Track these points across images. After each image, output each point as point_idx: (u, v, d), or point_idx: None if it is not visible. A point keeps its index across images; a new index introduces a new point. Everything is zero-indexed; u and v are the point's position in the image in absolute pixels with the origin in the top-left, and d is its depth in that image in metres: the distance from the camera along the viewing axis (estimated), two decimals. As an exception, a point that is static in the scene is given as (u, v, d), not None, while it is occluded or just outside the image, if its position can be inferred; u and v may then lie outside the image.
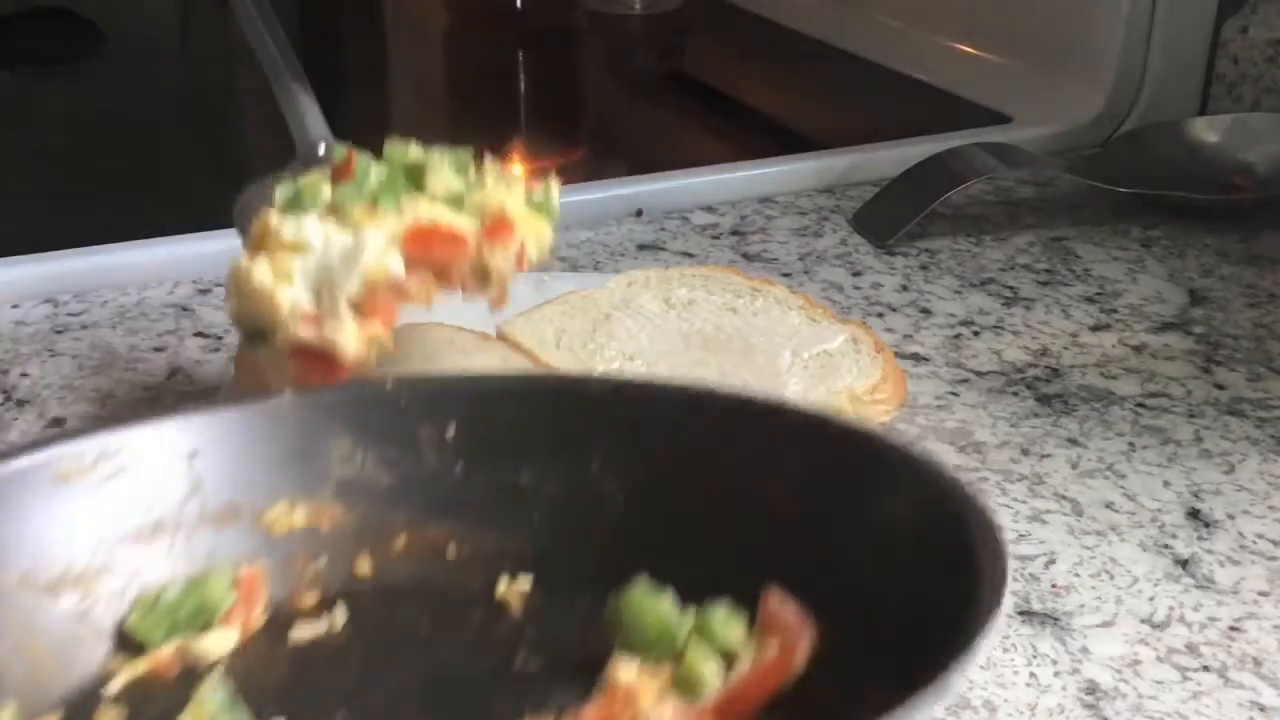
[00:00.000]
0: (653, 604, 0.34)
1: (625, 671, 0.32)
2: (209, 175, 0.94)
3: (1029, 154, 0.82)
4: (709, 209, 0.80)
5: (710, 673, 0.32)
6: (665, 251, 0.74)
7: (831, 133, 0.93)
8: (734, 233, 0.77)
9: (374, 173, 0.43)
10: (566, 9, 1.26)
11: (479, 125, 1.08)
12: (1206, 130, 0.83)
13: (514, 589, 0.38)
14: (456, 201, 0.42)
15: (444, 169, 0.43)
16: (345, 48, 1.32)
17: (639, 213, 0.79)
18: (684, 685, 0.32)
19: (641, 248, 0.75)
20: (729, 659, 0.33)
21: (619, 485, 0.37)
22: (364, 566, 0.38)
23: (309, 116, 0.53)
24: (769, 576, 0.32)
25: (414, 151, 0.44)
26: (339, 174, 0.44)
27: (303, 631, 0.37)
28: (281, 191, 0.44)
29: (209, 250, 0.71)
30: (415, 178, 0.43)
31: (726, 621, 0.33)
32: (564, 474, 0.37)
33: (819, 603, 0.32)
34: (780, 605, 0.32)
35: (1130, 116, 0.90)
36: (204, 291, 0.69)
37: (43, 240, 0.72)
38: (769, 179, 0.83)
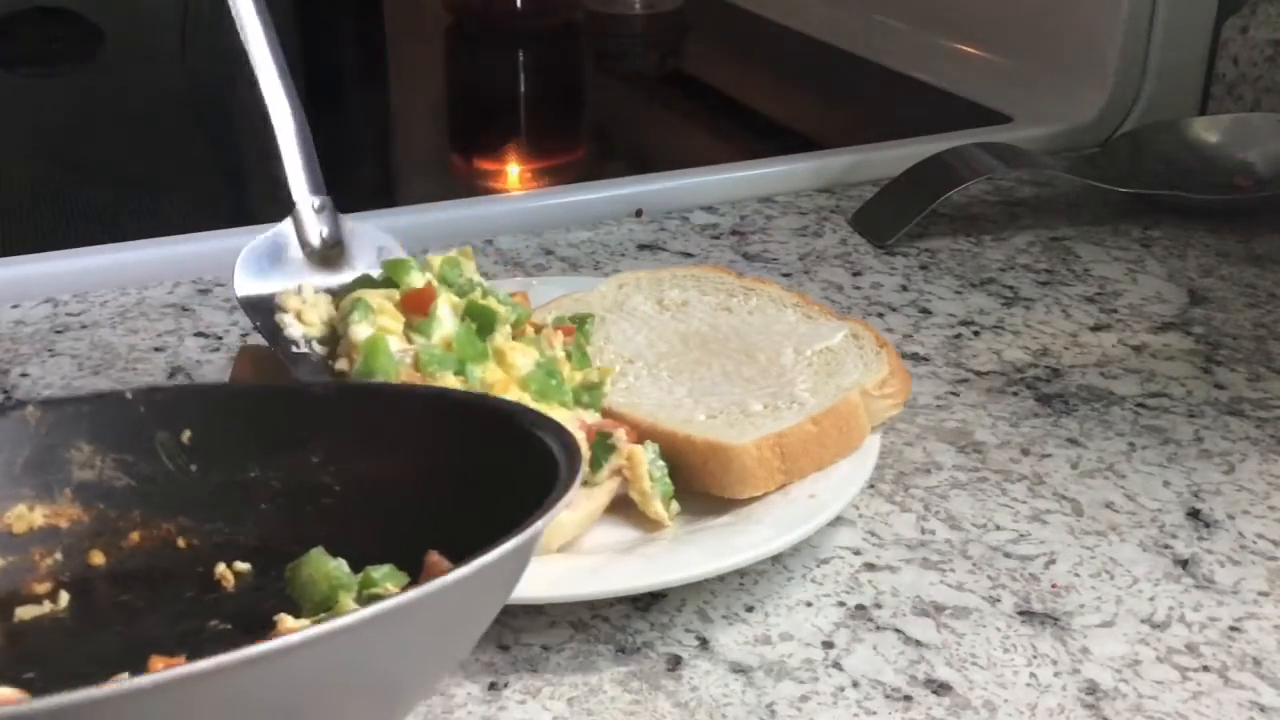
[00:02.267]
0: (322, 566, 0.38)
1: (287, 621, 0.37)
2: (209, 175, 0.94)
3: (1029, 154, 0.82)
4: (709, 209, 0.80)
5: None
6: (665, 251, 0.74)
7: (831, 133, 0.93)
8: (734, 233, 0.77)
9: (447, 315, 0.49)
10: (566, 9, 1.26)
11: (479, 125, 1.08)
12: (1206, 130, 0.83)
13: (231, 570, 0.41)
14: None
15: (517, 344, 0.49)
16: (345, 48, 1.32)
17: (639, 213, 0.79)
18: None
19: (641, 248, 0.75)
20: None
21: (335, 476, 0.42)
22: (97, 558, 0.42)
23: (309, 172, 0.54)
24: (433, 541, 0.37)
25: (473, 283, 0.51)
26: (412, 305, 0.49)
27: (26, 612, 0.40)
28: (351, 300, 0.49)
29: (209, 250, 0.71)
30: (484, 321, 0.49)
31: (386, 577, 0.37)
32: (289, 468, 0.42)
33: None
34: (437, 562, 0.36)
35: (1130, 116, 0.90)
36: (204, 291, 0.69)
37: (43, 240, 0.72)
38: (769, 179, 0.83)
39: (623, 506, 0.48)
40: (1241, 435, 0.56)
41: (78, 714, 0.26)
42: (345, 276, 0.53)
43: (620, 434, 0.48)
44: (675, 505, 0.48)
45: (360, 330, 0.48)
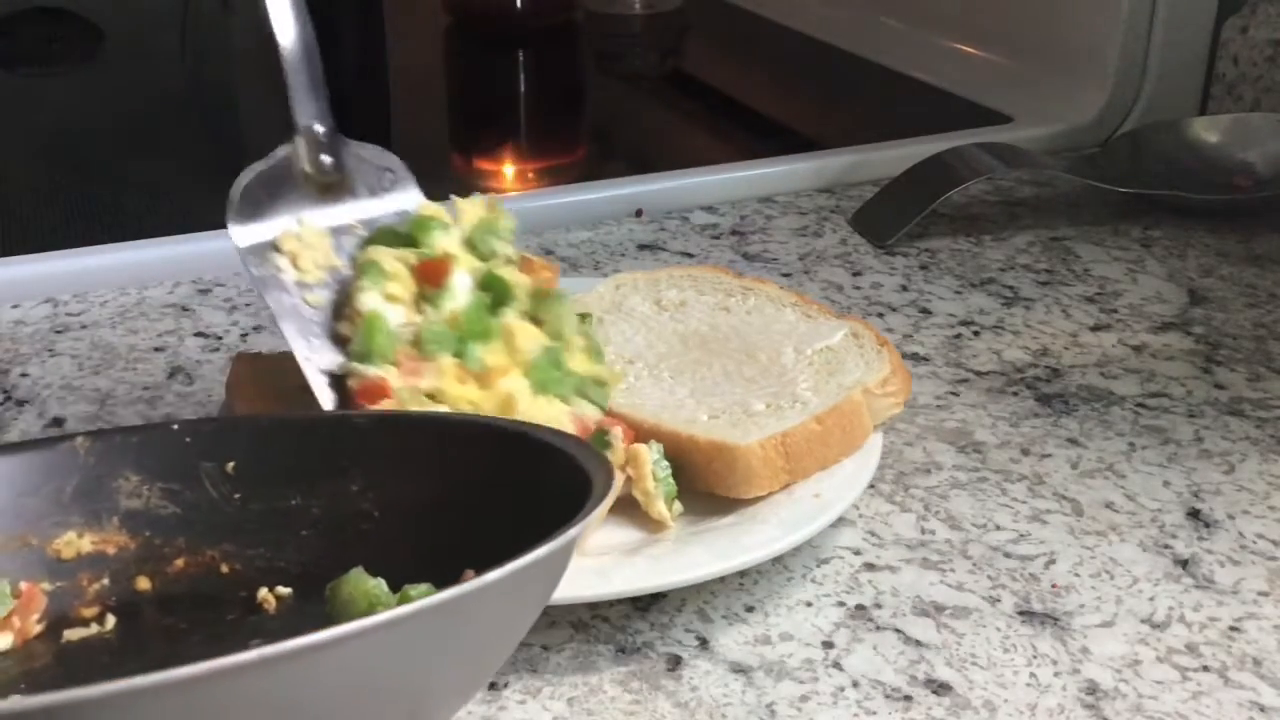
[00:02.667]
0: (362, 584, 0.38)
1: None
2: (209, 175, 0.94)
3: (1029, 154, 0.82)
4: (709, 209, 0.80)
5: None
6: (665, 251, 0.74)
7: (831, 133, 0.93)
8: (734, 233, 0.77)
9: (463, 284, 0.48)
10: (566, 9, 1.26)
11: (479, 125, 1.08)
12: (1206, 130, 0.83)
13: (273, 594, 0.42)
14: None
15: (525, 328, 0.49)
16: (345, 48, 1.32)
17: (639, 213, 0.79)
18: None
19: (641, 248, 0.75)
20: None
21: (374, 502, 0.42)
22: (143, 584, 0.43)
23: (314, 95, 0.50)
24: (470, 561, 0.37)
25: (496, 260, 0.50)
26: (427, 274, 0.48)
27: (74, 634, 0.41)
28: (364, 261, 0.48)
29: (209, 250, 0.71)
30: (499, 294, 0.48)
31: (423, 595, 0.37)
32: (329, 496, 0.43)
33: None
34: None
35: (1130, 116, 0.90)
36: (204, 291, 0.69)
37: (43, 240, 0.72)
38: (769, 179, 0.83)
39: (626, 507, 0.48)
40: (1241, 435, 0.56)
41: (95, 708, 0.26)
42: (348, 207, 0.50)
43: (617, 431, 0.48)
44: (678, 505, 0.48)
45: (367, 299, 0.47)
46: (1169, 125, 0.85)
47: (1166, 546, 0.49)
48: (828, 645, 0.43)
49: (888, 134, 0.88)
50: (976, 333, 0.65)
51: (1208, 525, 0.50)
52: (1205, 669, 0.42)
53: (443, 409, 0.46)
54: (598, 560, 0.45)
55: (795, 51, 1.15)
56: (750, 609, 0.45)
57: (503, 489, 0.40)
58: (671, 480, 0.48)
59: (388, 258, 0.48)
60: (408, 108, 1.15)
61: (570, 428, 0.47)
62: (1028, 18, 0.97)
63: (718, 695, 0.41)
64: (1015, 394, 0.59)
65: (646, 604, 0.45)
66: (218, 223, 0.73)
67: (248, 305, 0.67)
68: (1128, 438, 0.56)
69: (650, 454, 0.47)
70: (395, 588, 0.38)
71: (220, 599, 0.42)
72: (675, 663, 0.43)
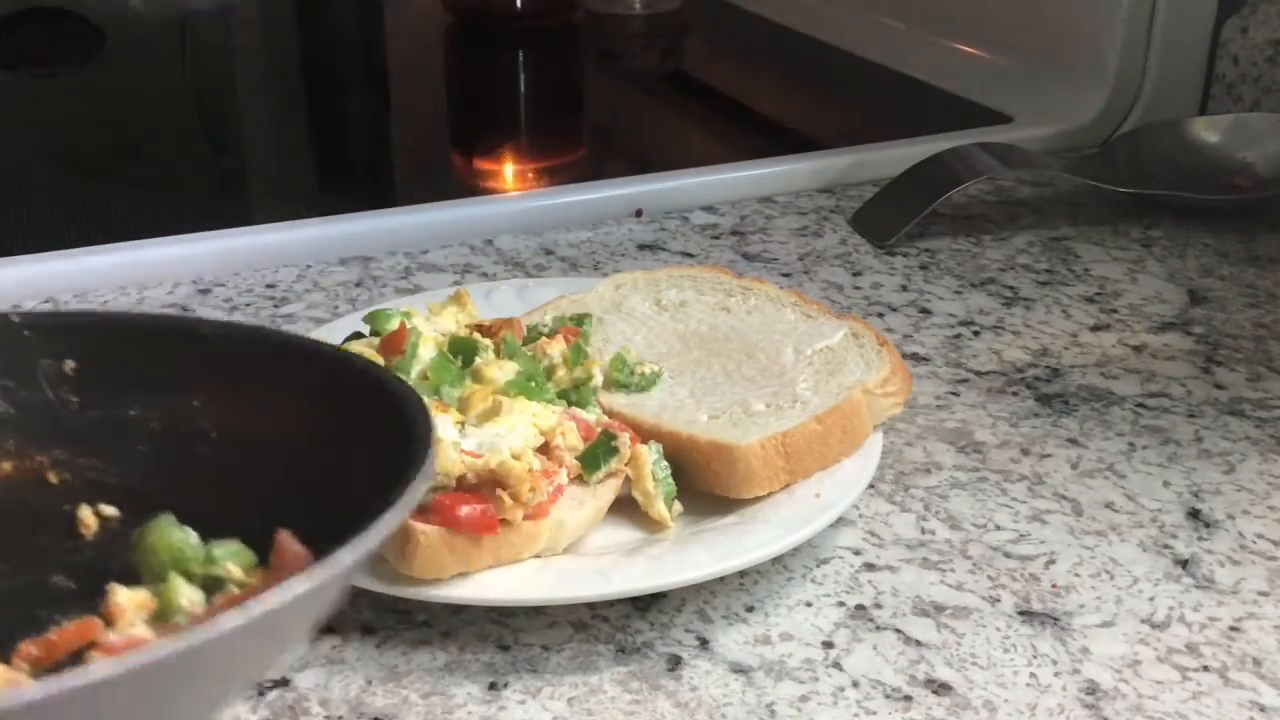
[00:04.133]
0: (165, 537, 0.36)
1: (119, 594, 0.35)
2: (209, 175, 0.94)
3: (1029, 154, 0.82)
4: (709, 209, 0.80)
5: (186, 600, 0.35)
6: (665, 251, 0.74)
7: (831, 133, 0.93)
8: (734, 233, 0.77)
9: (423, 347, 0.48)
10: (566, 9, 1.26)
11: (479, 125, 1.08)
12: (1206, 130, 0.83)
13: (95, 515, 0.40)
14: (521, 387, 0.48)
15: (490, 354, 0.49)
16: (345, 48, 1.32)
17: (639, 213, 0.79)
18: (163, 610, 0.35)
19: (641, 248, 0.75)
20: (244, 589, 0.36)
21: (212, 422, 0.40)
22: None
23: None
24: (296, 504, 0.35)
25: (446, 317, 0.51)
26: (389, 346, 0.49)
27: None
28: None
29: (209, 250, 0.71)
30: (467, 354, 0.49)
31: (229, 556, 0.36)
32: (170, 409, 0.40)
33: (325, 540, 0.33)
34: (287, 543, 0.34)
35: (1130, 116, 0.90)
36: (204, 291, 0.69)
37: (43, 240, 0.72)
38: (769, 179, 0.83)
39: (625, 507, 0.48)
40: (1241, 435, 0.56)
41: None
42: None
43: (625, 437, 0.47)
44: (678, 506, 0.48)
45: None
46: (1169, 125, 0.85)
47: (1166, 546, 0.49)
48: (828, 645, 0.43)
49: (888, 134, 0.88)
50: (976, 333, 0.65)
51: (1208, 525, 0.50)
52: (1205, 669, 0.42)
53: None
54: (598, 560, 0.45)
55: (795, 51, 1.15)
56: (750, 609, 0.45)
57: (337, 428, 0.38)
58: (671, 480, 0.48)
59: (356, 347, 0.49)
60: (408, 108, 1.15)
61: (571, 428, 0.47)
62: (1028, 18, 0.97)
63: (718, 695, 0.41)
64: (1015, 394, 0.59)
65: (646, 604, 0.45)
66: (218, 223, 0.74)
67: (248, 305, 0.67)
68: (1128, 438, 0.56)
69: (650, 454, 0.47)
70: (217, 530, 0.36)
71: (40, 514, 0.40)
72: (675, 663, 0.43)
